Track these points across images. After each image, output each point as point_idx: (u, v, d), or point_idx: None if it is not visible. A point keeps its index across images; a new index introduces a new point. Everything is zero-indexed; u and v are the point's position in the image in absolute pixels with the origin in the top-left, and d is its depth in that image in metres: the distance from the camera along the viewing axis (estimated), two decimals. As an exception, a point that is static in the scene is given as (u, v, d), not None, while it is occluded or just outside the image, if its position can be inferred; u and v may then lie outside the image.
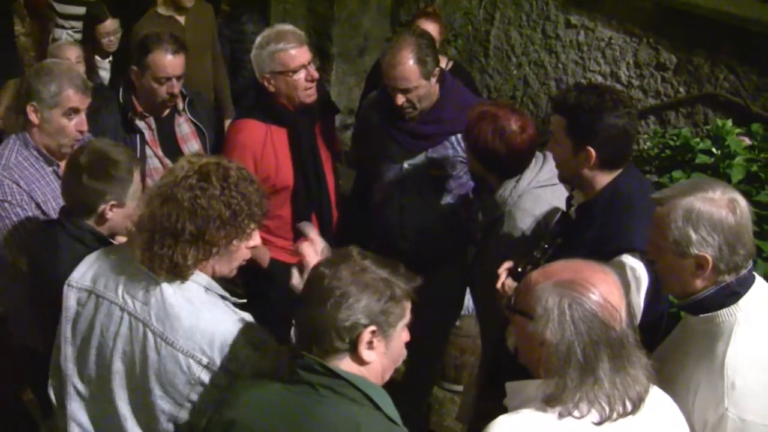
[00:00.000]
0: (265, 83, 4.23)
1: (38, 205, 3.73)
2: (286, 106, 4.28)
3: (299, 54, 4.20)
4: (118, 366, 2.75)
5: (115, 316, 2.75)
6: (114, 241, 3.32)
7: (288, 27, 4.33)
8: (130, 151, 3.44)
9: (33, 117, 3.76)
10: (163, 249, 2.62)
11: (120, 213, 3.28)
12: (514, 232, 3.72)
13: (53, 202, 3.75)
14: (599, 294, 2.20)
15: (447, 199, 4.45)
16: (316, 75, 4.26)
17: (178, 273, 2.66)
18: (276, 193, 4.31)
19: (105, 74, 6.23)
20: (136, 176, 3.32)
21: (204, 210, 2.61)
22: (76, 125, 3.79)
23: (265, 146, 4.26)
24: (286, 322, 3.02)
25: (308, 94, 4.26)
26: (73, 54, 5.71)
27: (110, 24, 6.08)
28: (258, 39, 4.27)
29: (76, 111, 3.79)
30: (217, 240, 2.66)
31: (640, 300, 3.03)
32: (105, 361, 2.78)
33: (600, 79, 6.01)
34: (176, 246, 2.62)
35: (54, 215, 3.71)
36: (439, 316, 4.59)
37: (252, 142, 4.26)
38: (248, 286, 4.48)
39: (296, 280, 2.95)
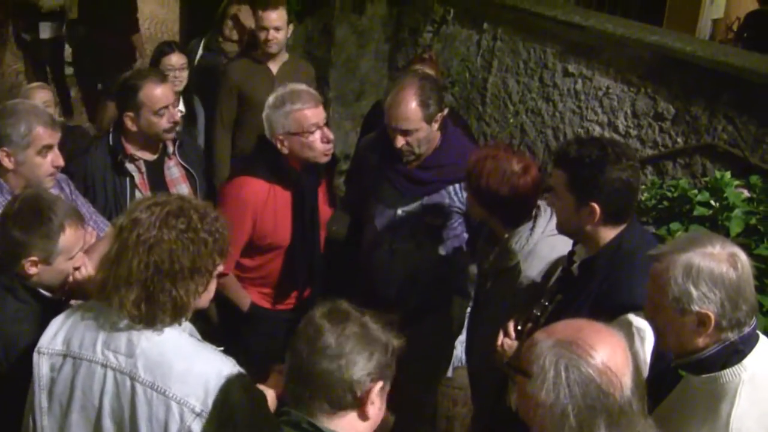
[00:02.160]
0: (278, 144, 4.11)
1: None
2: (294, 166, 4.19)
3: (314, 114, 4.10)
4: (107, 425, 2.67)
5: (97, 374, 2.67)
6: (46, 294, 3.16)
7: (302, 86, 4.22)
8: (72, 208, 3.26)
9: (6, 162, 3.66)
10: (164, 293, 2.58)
11: (47, 270, 3.12)
12: (528, 280, 3.63)
13: None
14: (599, 357, 2.11)
15: (439, 249, 4.37)
16: (331, 135, 4.17)
17: (182, 313, 2.64)
18: (270, 250, 4.24)
19: None
20: (73, 234, 3.13)
21: (193, 242, 2.60)
22: (51, 161, 3.70)
23: (266, 205, 4.16)
24: (262, 366, 2.99)
25: (324, 155, 4.17)
26: (43, 97, 5.60)
27: (176, 58, 5.86)
28: (271, 98, 4.15)
29: (48, 147, 3.70)
30: (210, 267, 2.66)
31: (646, 358, 2.93)
32: (91, 423, 2.70)
33: (597, 128, 5.99)
34: (175, 287, 2.58)
35: None
36: (427, 367, 4.52)
37: (254, 200, 4.14)
38: (226, 328, 4.45)
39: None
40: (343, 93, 7.64)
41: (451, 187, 4.25)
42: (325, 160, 4.21)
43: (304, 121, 4.06)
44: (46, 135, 3.69)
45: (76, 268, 3.19)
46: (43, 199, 3.16)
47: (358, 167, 4.74)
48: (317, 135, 4.10)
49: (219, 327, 4.48)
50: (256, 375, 2.87)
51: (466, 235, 4.40)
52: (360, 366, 2.28)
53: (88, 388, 2.69)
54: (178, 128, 4.52)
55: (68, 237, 3.12)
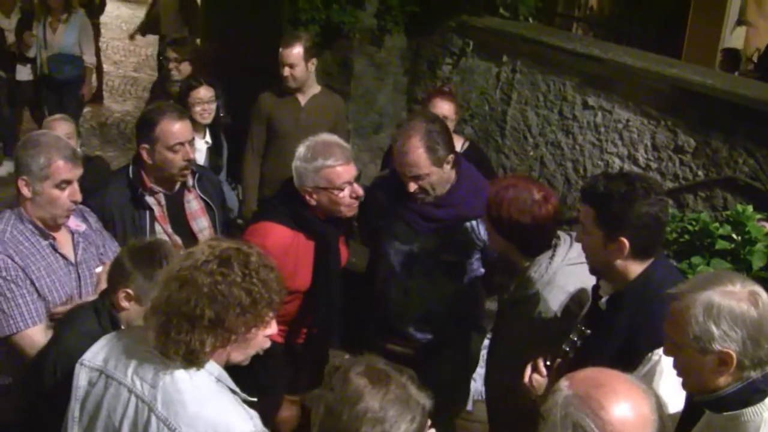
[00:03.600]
0: (307, 196, 4.10)
1: (32, 282, 3.66)
2: (318, 216, 4.17)
3: (345, 171, 4.08)
4: None
5: (123, 397, 2.68)
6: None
7: (334, 139, 4.21)
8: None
9: (25, 191, 3.69)
10: (180, 334, 2.54)
11: (136, 311, 3.20)
12: (548, 310, 3.62)
13: (47, 279, 3.70)
14: (609, 417, 2.09)
15: (454, 285, 4.35)
16: (360, 192, 4.15)
17: (194, 360, 2.58)
18: (288, 293, 4.22)
19: (200, 157, 5.80)
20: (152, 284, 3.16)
21: (224, 296, 2.53)
22: (69, 195, 3.71)
23: (287, 253, 4.11)
24: (273, 398, 2.94)
25: (350, 210, 4.17)
26: (64, 129, 5.64)
27: (204, 91, 5.91)
28: (302, 149, 4.12)
29: (67, 182, 3.71)
30: (237, 327, 2.59)
31: (681, 398, 2.88)
32: None
33: (617, 161, 5.97)
34: (194, 332, 2.54)
35: (47, 292, 3.69)
36: (444, 401, 4.48)
37: (276, 248, 4.03)
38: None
39: None
40: (362, 125, 7.67)
41: (467, 224, 4.24)
42: (350, 214, 4.21)
43: (336, 179, 4.05)
44: (65, 170, 3.70)
45: None
46: (163, 247, 3.26)
47: (369, 204, 4.71)
48: (346, 191, 4.09)
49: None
50: (267, 406, 2.83)
51: (482, 270, 4.38)
52: (402, 431, 2.27)
53: (113, 409, 2.70)
54: (200, 161, 4.52)
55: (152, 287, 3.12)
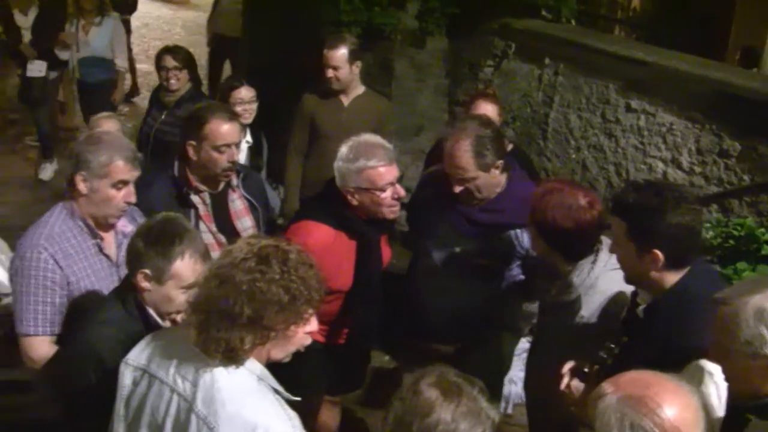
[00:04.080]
0: (349, 196, 4.08)
1: (69, 283, 3.68)
2: (360, 217, 4.15)
3: (388, 172, 4.04)
4: None
5: (165, 396, 2.70)
6: (155, 316, 3.25)
7: (377, 140, 4.18)
8: (202, 243, 3.30)
9: (81, 187, 3.70)
10: (220, 332, 2.55)
11: (157, 290, 3.20)
12: (589, 315, 3.59)
13: (88, 279, 3.72)
14: (666, 416, 2.07)
15: (492, 289, 4.35)
16: (402, 193, 4.12)
17: (234, 357, 2.59)
18: (330, 293, 4.23)
19: (240, 156, 5.59)
20: (190, 264, 3.18)
21: (263, 294, 2.54)
22: (124, 196, 3.73)
23: (329, 252, 4.07)
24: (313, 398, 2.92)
25: (392, 211, 4.12)
26: (112, 127, 5.67)
27: (245, 91, 5.91)
28: (344, 150, 4.10)
29: (124, 183, 3.73)
30: (275, 325, 2.59)
31: (722, 405, 2.86)
32: None
33: (660, 164, 5.92)
34: (233, 329, 2.55)
35: (86, 292, 3.70)
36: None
37: (318, 247, 4.04)
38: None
39: None
40: (402, 127, 7.64)
41: (512, 231, 4.23)
42: (392, 216, 4.16)
43: (378, 179, 4.02)
44: (124, 170, 3.72)
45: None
46: (176, 223, 3.24)
47: (418, 203, 4.72)
48: (388, 192, 4.05)
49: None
50: (307, 406, 2.83)
51: (522, 277, 4.37)
52: None
53: (156, 408, 2.73)
54: (240, 161, 4.54)
55: (185, 265, 3.17)
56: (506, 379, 4.93)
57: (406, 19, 7.61)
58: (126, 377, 2.86)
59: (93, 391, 3.09)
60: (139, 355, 2.85)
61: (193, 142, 4.32)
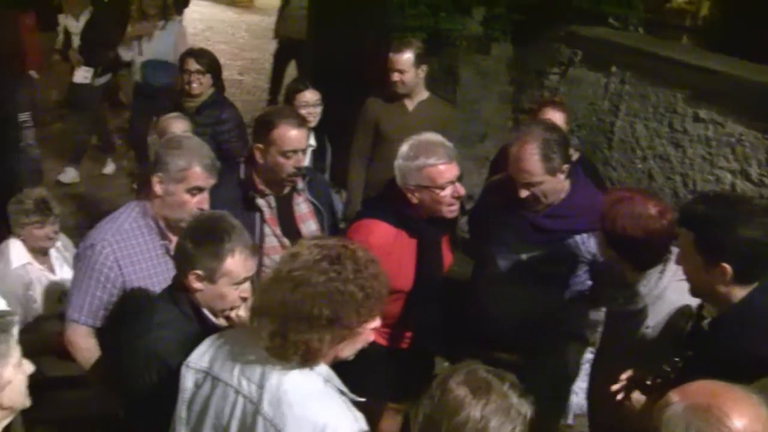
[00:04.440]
0: (409, 195, 4.10)
1: (125, 283, 3.75)
2: (420, 215, 4.17)
3: (448, 170, 4.06)
4: None
5: (230, 398, 2.73)
6: (209, 315, 3.28)
7: (437, 138, 4.20)
8: (249, 239, 3.34)
9: (157, 188, 3.75)
10: (298, 335, 2.57)
11: (210, 289, 3.23)
12: (655, 325, 3.55)
13: (148, 280, 3.78)
14: (735, 426, 2.04)
15: (558, 296, 4.32)
16: (462, 192, 4.12)
17: (312, 359, 2.62)
18: (391, 293, 4.23)
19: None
20: (238, 261, 3.22)
21: (340, 294, 2.57)
22: (197, 202, 3.77)
23: (390, 251, 4.10)
24: (374, 403, 2.93)
25: (451, 210, 4.13)
26: (181, 127, 5.72)
27: (310, 95, 5.95)
28: (405, 148, 4.14)
29: (200, 189, 3.77)
30: (352, 323, 2.62)
31: None
32: None
33: (729, 176, 5.82)
34: (311, 332, 2.57)
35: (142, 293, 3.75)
36: (541, 408, 4.43)
37: (379, 245, 4.07)
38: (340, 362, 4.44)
39: None
40: (466, 134, 7.62)
41: (578, 237, 4.20)
42: (451, 215, 4.17)
43: (438, 177, 4.03)
44: (201, 177, 3.77)
45: (244, 299, 3.28)
46: (222, 221, 3.27)
47: (482, 210, 4.71)
48: (448, 191, 4.06)
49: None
50: (370, 411, 2.84)
51: (589, 283, 4.32)
52: None
53: (220, 410, 2.75)
54: (306, 165, 4.56)
55: (236, 262, 3.21)
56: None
57: (472, 25, 7.60)
58: (188, 380, 2.88)
59: (153, 393, 3.12)
60: (200, 358, 2.88)
61: (261, 146, 4.36)
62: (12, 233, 5.27)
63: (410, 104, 6.08)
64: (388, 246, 4.09)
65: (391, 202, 4.21)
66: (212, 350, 2.87)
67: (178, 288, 3.30)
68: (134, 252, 3.76)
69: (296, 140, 4.34)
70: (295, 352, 2.59)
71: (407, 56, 5.90)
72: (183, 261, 3.25)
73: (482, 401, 2.30)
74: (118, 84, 10.34)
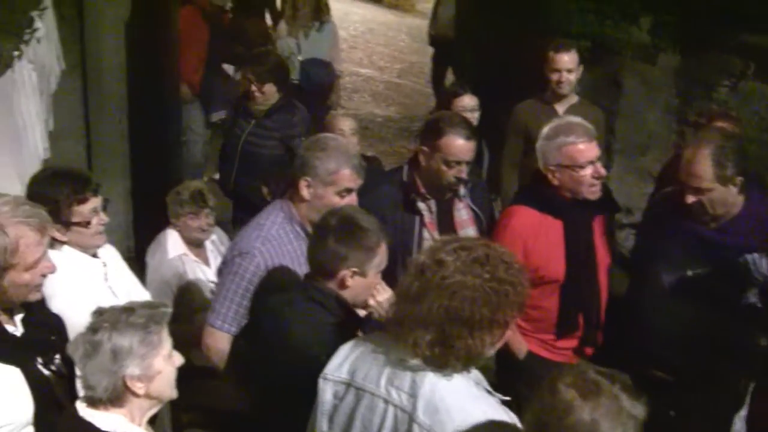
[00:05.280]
0: (549, 175, 4.14)
1: None
2: (564, 198, 4.15)
3: (588, 149, 4.09)
4: None
5: (378, 408, 2.72)
6: (353, 309, 3.34)
7: (577, 119, 4.25)
8: (379, 224, 3.39)
9: (305, 192, 3.77)
10: (461, 340, 2.58)
11: (360, 282, 3.28)
12: None
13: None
14: None
15: (725, 317, 4.13)
16: (603, 172, 4.15)
17: (474, 361, 2.64)
18: (543, 284, 4.18)
19: None
20: (382, 249, 3.31)
21: (497, 294, 2.58)
22: (346, 204, 3.77)
23: (537, 236, 4.17)
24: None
25: (593, 191, 4.14)
26: (348, 125, 5.79)
27: (468, 99, 5.97)
28: (546, 129, 4.20)
29: (349, 191, 3.79)
30: (508, 320, 2.63)
31: None
32: None
33: None
34: (472, 335, 2.58)
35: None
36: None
37: (523, 229, 4.19)
38: (500, 374, 4.39)
39: None
40: (628, 145, 7.41)
41: (749, 256, 4.01)
42: (593, 196, 4.16)
43: (577, 156, 4.07)
44: (351, 179, 3.79)
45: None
46: (360, 216, 3.33)
47: (648, 223, 4.58)
48: (588, 170, 4.09)
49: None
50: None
51: (759, 306, 4.13)
52: None
53: (368, 421, 2.74)
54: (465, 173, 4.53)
55: (382, 251, 3.30)
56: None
57: (639, 34, 7.38)
58: (326, 392, 2.88)
59: (298, 395, 3.11)
60: (337, 368, 2.87)
61: (426, 149, 4.37)
62: (170, 224, 5.43)
63: (561, 108, 5.99)
64: (532, 229, 4.17)
65: (535, 186, 4.28)
66: (350, 361, 2.85)
67: (320, 287, 3.31)
68: (284, 260, 3.79)
69: (462, 151, 4.33)
70: (457, 358, 2.59)
71: (573, 55, 5.87)
72: (333, 260, 3.27)
73: (591, 404, 2.25)
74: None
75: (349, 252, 3.24)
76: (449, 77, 11.23)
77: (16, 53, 5.09)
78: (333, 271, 3.28)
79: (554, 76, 5.91)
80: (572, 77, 5.92)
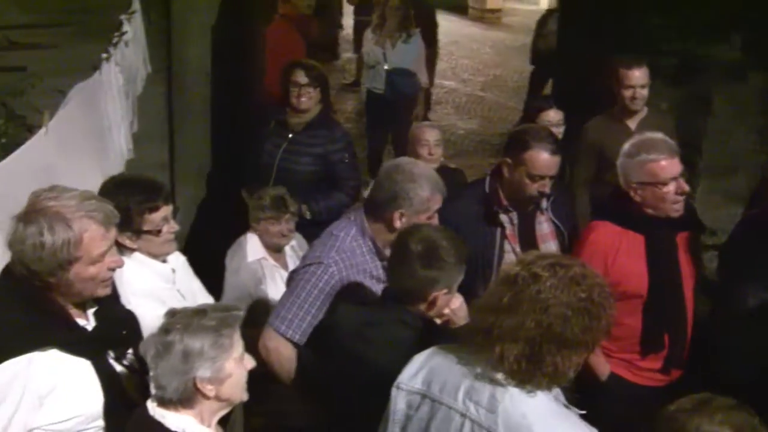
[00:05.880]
0: (632, 192, 4.07)
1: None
2: (646, 214, 4.09)
3: (670, 166, 4.02)
4: None
5: (455, 422, 2.66)
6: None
7: (659, 135, 4.17)
8: (458, 238, 3.40)
9: (398, 223, 3.76)
10: (550, 356, 2.54)
11: (447, 299, 3.31)
12: None
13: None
14: None
15: None
16: (686, 188, 4.07)
17: (559, 380, 2.60)
18: (626, 300, 4.08)
19: None
20: (462, 265, 3.33)
21: (588, 314, 2.54)
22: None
23: (618, 250, 4.11)
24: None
25: (676, 208, 4.07)
26: (434, 136, 5.76)
27: (554, 114, 5.90)
28: (626, 146, 4.14)
29: (436, 212, 3.83)
30: (595, 342, 2.61)
31: None
32: None
33: None
34: (561, 353, 2.54)
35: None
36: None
37: (603, 243, 4.13)
38: (581, 393, 4.28)
39: None
40: (714, 165, 7.25)
41: None
42: (676, 214, 4.09)
43: (660, 173, 4.01)
44: (440, 201, 3.84)
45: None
46: (439, 235, 3.36)
47: (737, 244, 4.43)
48: (671, 187, 4.02)
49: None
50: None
51: None
52: None
53: None
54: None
55: (462, 267, 3.32)
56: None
57: (728, 52, 7.21)
58: (399, 402, 2.84)
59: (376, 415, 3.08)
60: (412, 378, 2.83)
61: (510, 161, 4.33)
62: (250, 228, 5.44)
63: (632, 123, 5.91)
64: (613, 244, 4.11)
65: (615, 201, 4.22)
66: (426, 371, 2.81)
67: (411, 310, 3.32)
68: (358, 271, 3.79)
69: (546, 166, 4.28)
70: (543, 375, 2.54)
71: (645, 70, 5.81)
72: (424, 286, 3.29)
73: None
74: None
75: (439, 275, 3.26)
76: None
77: (104, 56, 5.19)
78: (424, 296, 3.29)
79: (627, 93, 5.82)
80: (645, 92, 5.85)
